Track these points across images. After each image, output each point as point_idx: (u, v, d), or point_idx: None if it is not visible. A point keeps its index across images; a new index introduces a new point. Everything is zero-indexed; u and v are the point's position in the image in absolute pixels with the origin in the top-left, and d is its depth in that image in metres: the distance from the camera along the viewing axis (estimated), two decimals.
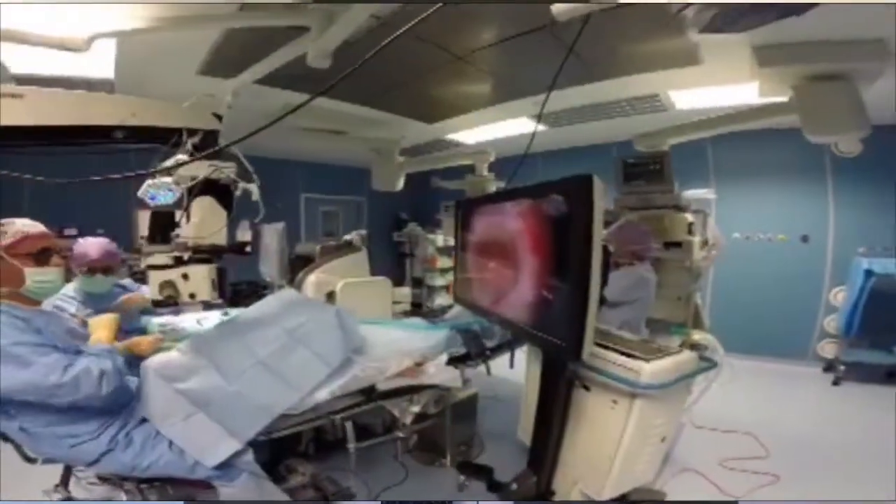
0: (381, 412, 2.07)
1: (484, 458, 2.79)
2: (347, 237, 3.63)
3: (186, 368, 1.74)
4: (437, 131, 4.84)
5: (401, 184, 4.62)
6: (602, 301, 2.55)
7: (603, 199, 1.52)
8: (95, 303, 2.41)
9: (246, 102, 2.44)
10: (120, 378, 1.55)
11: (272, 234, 3.51)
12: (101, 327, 1.68)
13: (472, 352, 2.40)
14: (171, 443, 1.57)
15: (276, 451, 2.11)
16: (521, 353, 2.61)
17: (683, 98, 3.76)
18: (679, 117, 3.66)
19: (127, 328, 2.10)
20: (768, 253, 4.94)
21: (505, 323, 2.18)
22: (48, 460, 1.62)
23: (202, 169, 2.05)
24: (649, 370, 1.85)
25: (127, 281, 2.87)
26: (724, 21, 2.09)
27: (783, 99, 2.75)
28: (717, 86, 3.36)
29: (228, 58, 2.63)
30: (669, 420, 2.10)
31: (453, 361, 2.29)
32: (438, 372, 2.11)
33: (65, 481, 1.92)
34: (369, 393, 1.95)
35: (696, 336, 2.47)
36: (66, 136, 1.71)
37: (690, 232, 3.35)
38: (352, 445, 1.93)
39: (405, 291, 3.67)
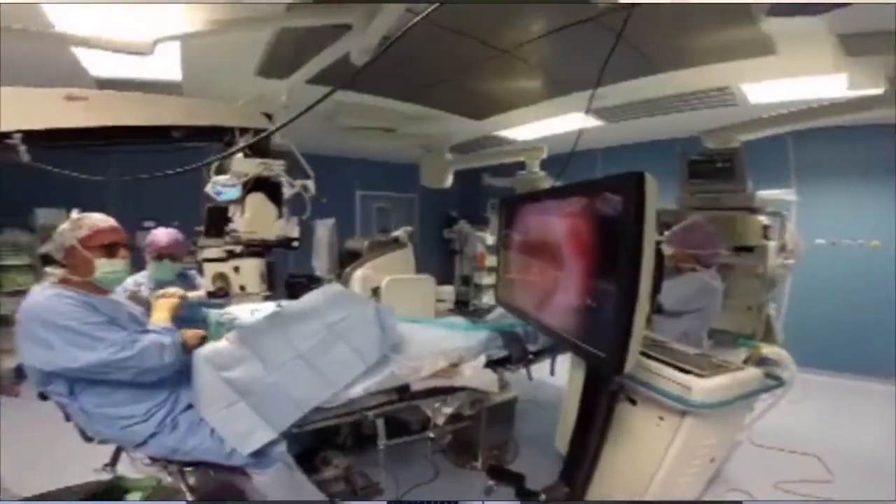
0: (417, 410, 2.06)
1: (517, 464, 2.72)
2: (394, 233, 3.66)
3: (233, 357, 1.81)
4: (487, 127, 4.76)
5: (449, 181, 4.59)
6: (658, 309, 2.38)
7: (657, 198, 1.39)
8: (164, 287, 2.60)
9: (300, 101, 2.51)
10: (179, 352, 1.66)
11: (324, 230, 3.61)
12: (162, 309, 1.80)
13: (513, 355, 2.32)
14: (212, 429, 1.64)
15: (316, 441, 2.17)
16: (565, 359, 2.50)
17: (757, 91, 3.43)
18: (753, 112, 3.35)
19: (186, 317, 2.23)
20: (856, 260, 4.42)
21: (545, 329, 2.08)
22: (103, 441, 1.75)
23: (253, 166, 2.13)
24: (702, 387, 1.69)
25: (192, 272, 3.06)
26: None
27: (877, 91, 2.46)
28: (795, 77, 3.05)
29: (282, 58, 2.72)
30: (722, 440, 1.93)
31: (492, 364, 2.23)
32: (475, 374, 2.06)
33: (113, 461, 2.07)
34: (403, 391, 1.94)
35: (765, 350, 2.24)
36: (128, 136, 1.83)
37: (765, 236, 3.06)
38: (382, 442, 1.94)
39: (449, 290, 3.63)
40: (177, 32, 2.00)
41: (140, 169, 1.45)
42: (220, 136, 2.03)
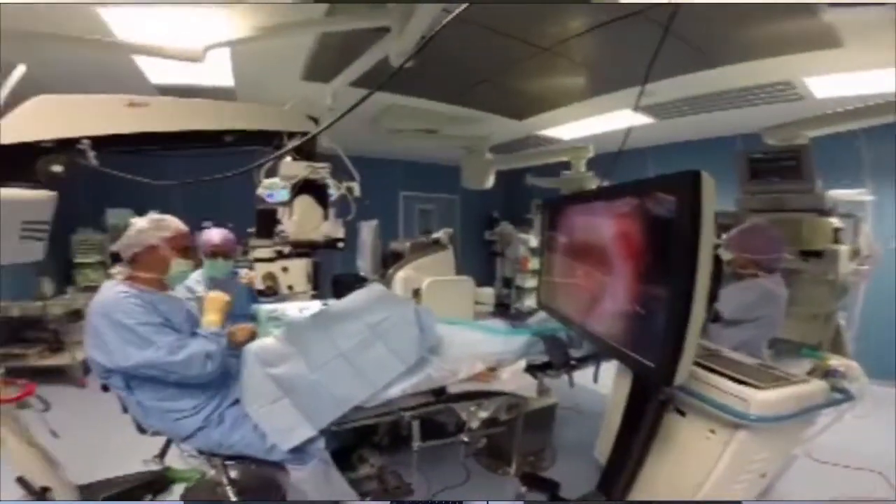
0: (453, 413, 2.05)
1: (553, 471, 2.65)
2: (435, 235, 3.67)
3: (279, 354, 1.87)
4: (529, 127, 4.69)
5: (490, 181, 4.54)
6: (715, 318, 2.24)
7: (714, 199, 1.30)
8: (216, 285, 2.73)
9: (344, 104, 2.56)
10: (223, 360, 1.73)
11: (368, 231, 3.68)
12: (213, 310, 1.87)
13: (554, 361, 2.26)
14: (255, 424, 1.70)
15: (353, 439, 2.20)
16: (610, 366, 2.40)
17: (823, 85, 3.18)
18: (819, 107, 3.10)
19: (238, 313, 2.34)
20: None
21: (589, 335, 2.00)
22: (155, 432, 1.86)
23: (300, 169, 2.18)
24: (761, 400, 1.57)
25: (243, 271, 3.20)
26: None
27: None
28: (865, 71, 2.80)
29: (325, 62, 2.79)
30: (776, 455, 1.80)
31: (532, 369, 2.18)
32: (513, 379, 2.02)
33: (162, 453, 2.19)
34: (440, 394, 1.93)
35: (832, 361, 2.06)
36: (184, 140, 1.93)
37: (836, 240, 2.82)
38: (416, 444, 1.94)
39: (488, 292, 3.59)
40: (224, 40, 2.09)
41: (197, 172, 1.52)
42: (269, 140, 2.09)
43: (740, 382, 1.66)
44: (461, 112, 4.07)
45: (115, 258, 1.91)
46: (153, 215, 1.86)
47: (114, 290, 1.70)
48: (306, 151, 2.19)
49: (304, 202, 2.36)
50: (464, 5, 1.07)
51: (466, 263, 6.94)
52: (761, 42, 2.64)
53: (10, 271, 3.40)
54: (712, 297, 1.87)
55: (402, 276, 3.19)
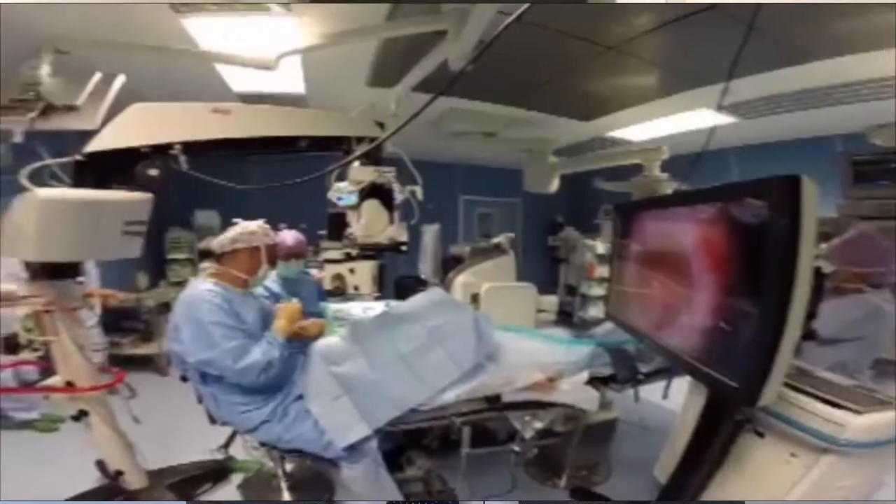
0: (506, 420, 2.01)
1: (607, 487, 2.50)
2: (495, 240, 3.63)
3: (343, 353, 1.92)
4: (596, 129, 4.50)
5: (555, 185, 4.41)
6: (809, 335, 2.01)
7: (816, 206, 1.16)
8: (289, 285, 2.87)
9: (408, 109, 2.61)
10: (279, 367, 1.78)
11: (430, 235, 3.72)
12: (284, 316, 1.93)
13: (620, 374, 2.14)
14: (314, 420, 1.75)
15: (403, 440, 2.22)
16: (682, 383, 2.23)
17: None
18: None
19: (308, 311, 2.44)
20: None
21: (661, 349, 1.87)
22: (224, 423, 1.97)
23: (368, 174, 2.24)
24: (859, 425, 1.40)
25: (314, 271, 3.35)
26: None
27: None
28: None
29: (388, 68, 2.83)
30: (861, 483, 1.59)
31: (595, 381, 2.09)
32: (573, 391, 1.95)
33: (227, 443, 2.31)
34: (494, 401, 1.90)
35: None
36: (262, 146, 2.05)
37: None
38: (465, 450, 1.93)
39: (551, 300, 3.50)
40: (293, 48, 2.19)
41: (274, 177, 1.61)
42: (339, 145, 2.17)
43: (833, 405, 1.49)
44: (522, 114, 4.00)
45: (202, 255, 2.08)
46: (261, 222, 2.02)
47: (201, 287, 1.83)
48: (373, 156, 2.25)
49: (371, 206, 2.42)
50: (523, 7, 1.03)
51: (528, 269, 6.78)
52: (860, 35, 2.35)
53: (111, 265, 3.78)
54: (811, 313, 1.67)
55: (462, 280, 3.18)
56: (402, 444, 2.24)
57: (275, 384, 1.82)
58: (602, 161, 4.56)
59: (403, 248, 2.58)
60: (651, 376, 2.30)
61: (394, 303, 2.78)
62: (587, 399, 1.99)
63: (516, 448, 2.02)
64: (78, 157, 1.88)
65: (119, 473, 2.13)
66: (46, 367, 2.07)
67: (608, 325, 2.70)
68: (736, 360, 1.33)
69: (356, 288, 2.52)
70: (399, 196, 2.50)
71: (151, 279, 4.91)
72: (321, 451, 1.77)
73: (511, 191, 7.10)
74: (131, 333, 4.39)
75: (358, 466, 1.73)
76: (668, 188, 3.60)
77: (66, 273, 2.00)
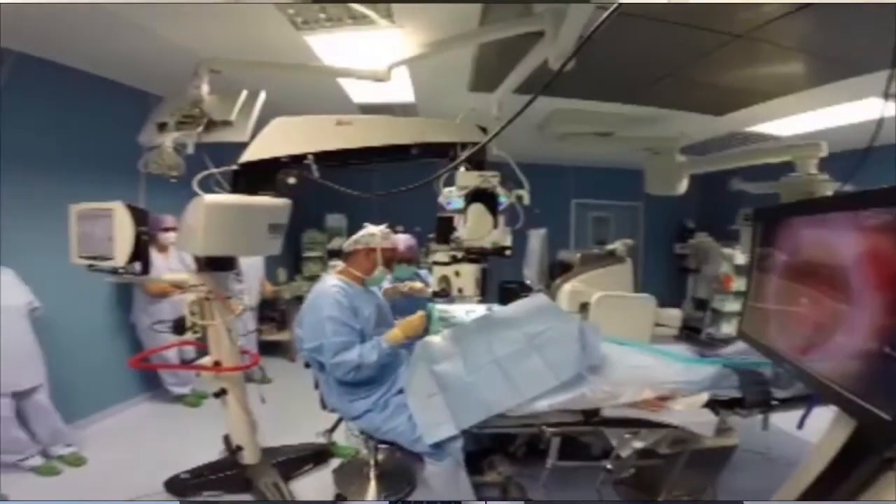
0: (602, 436, 1.88)
1: None
2: (610, 246, 3.41)
3: (442, 352, 1.99)
4: (731, 124, 3.97)
5: (683, 187, 3.99)
6: None
7: None
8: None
9: (510, 113, 2.60)
10: (372, 371, 1.92)
11: (536, 240, 3.64)
12: (403, 329, 2.07)
13: (749, 399, 1.86)
14: (409, 415, 1.83)
15: (489, 443, 2.21)
16: (823, 413, 1.87)
17: None
18: None
19: (416, 310, 2.57)
20: None
21: (805, 376, 1.59)
22: (332, 410, 2.16)
23: (472, 179, 2.29)
24: None
25: (425, 272, 3.52)
26: None
27: None
28: None
29: (488, 73, 2.85)
30: None
31: (716, 405, 1.85)
32: (686, 413, 1.76)
33: (332, 429, 2.49)
34: (591, 415, 1.79)
35: None
36: (378, 154, 2.21)
37: None
38: (550, 461, 1.85)
39: (674, 314, 3.15)
40: (400, 59, 2.31)
41: (396, 183, 1.74)
42: (446, 152, 2.25)
43: None
44: (641, 111, 3.71)
45: (331, 254, 2.35)
46: (383, 226, 2.25)
47: (328, 282, 2.07)
48: (477, 161, 2.28)
49: (476, 210, 2.46)
50: (616, 4, 0.97)
51: (650, 279, 6.31)
52: None
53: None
54: None
55: (570, 288, 3.05)
56: (487, 447, 2.23)
57: (380, 377, 1.96)
58: (742, 159, 4.00)
59: (507, 252, 2.57)
60: (787, 403, 1.97)
61: (496, 307, 2.79)
62: (703, 423, 1.77)
63: (608, 465, 1.88)
64: (234, 167, 2.24)
65: (239, 448, 2.44)
66: (202, 347, 2.45)
67: (739, 345, 2.37)
68: None
69: (460, 290, 2.58)
70: (504, 200, 2.51)
71: (289, 274, 5.62)
72: (410, 445, 1.86)
73: (631, 193, 6.62)
74: (270, 322, 5.05)
75: (440, 464, 1.78)
76: (827, 189, 3.04)
77: (224, 266, 2.39)
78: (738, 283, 5.56)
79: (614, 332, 2.36)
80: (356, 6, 2.11)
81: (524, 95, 2.72)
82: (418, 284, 2.59)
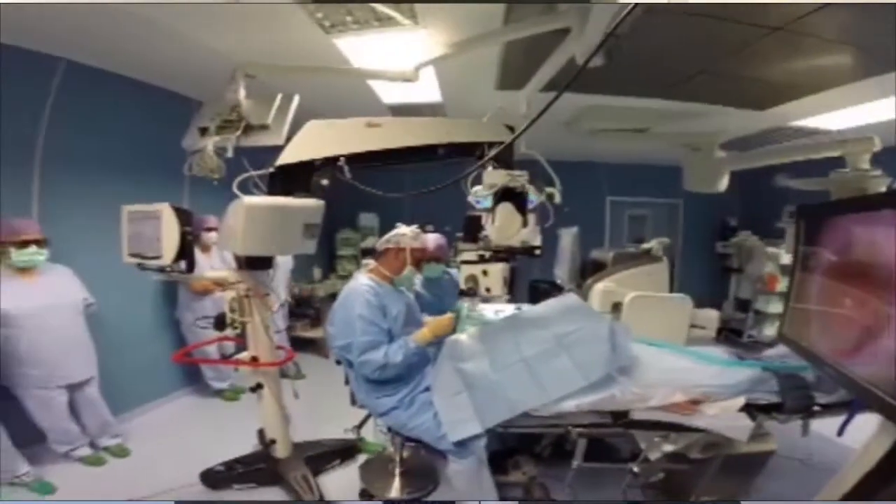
0: (630, 438, 1.85)
1: None
2: (646, 245, 3.33)
3: (469, 351, 2.01)
4: (774, 118, 3.78)
5: (723, 184, 3.82)
6: None
7: None
8: (431, 285, 3.09)
9: (536, 111, 2.57)
10: (399, 370, 1.94)
11: (567, 238, 3.59)
12: (431, 329, 2.08)
13: (789, 404, 1.79)
14: (435, 412, 1.85)
15: (515, 443, 2.21)
16: (871, 418, 1.76)
17: None
18: None
19: (444, 308, 2.60)
20: None
21: (848, 381, 1.51)
22: (361, 406, 2.20)
23: (500, 178, 2.28)
24: None
25: (454, 271, 3.54)
26: None
27: None
28: None
29: (515, 71, 2.81)
30: None
31: (753, 409, 1.79)
32: (719, 416, 1.71)
33: (360, 425, 2.53)
34: (620, 416, 1.76)
35: None
36: (406, 155, 2.24)
37: None
38: (576, 463, 1.84)
39: (710, 315, 3.04)
40: (426, 59, 2.33)
41: (426, 183, 1.77)
42: (473, 151, 2.26)
43: None
44: (676, 107, 3.57)
45: (364, 253, 2.40)
46: (414, 226, 2.28)
47: (359, 282, 2.12)
48: (505, 160, 2.28)
49: (504, 209, 2.45)
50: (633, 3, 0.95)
51: (690, 279, 6.09)
52: None
53: (296, 260, 4.52)
54: None
55: (601, 288, 2.99)
56: (512, 447, 2.22)
57: (407, 375, 1.99)
58: (789, 154, 3.79)
59: (536, 251, 2.56)
60: (829, 409, 1.87)
61: (526, 306, 2.78)
62: (735, 427, 1.71)
63: (635, 468, 1.84)
64: (271, 170, 2.32)
65: (272, 442, 2.52)
66: (241, 343, 2.55)
67: (782, 349, 2.27)
68: None
69: (488, 290, 2.59)
70: (535, 199, 2.49)
71: (324, 272, 5.77)
72: (434, 443, 1.87)
73: (669, 190, 6.40)
74: (304, 318, 5.20)
75: (463, 462, 1.79)
76: (881, 185, 2.86)
77: (261, 265, 2.48)
78: (783, 284, 5.28)
79: (648, 333, 2.30)
80: (381, 8, 2.14)
81: (552, 93, 2.70)
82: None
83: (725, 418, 1.72)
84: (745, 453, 1.89)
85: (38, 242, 2.53)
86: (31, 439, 2.62)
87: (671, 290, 3.26)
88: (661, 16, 2.00)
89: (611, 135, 4.04)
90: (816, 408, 1.84)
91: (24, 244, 2.48)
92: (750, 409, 1.78)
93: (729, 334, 5.63)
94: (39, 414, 2.59)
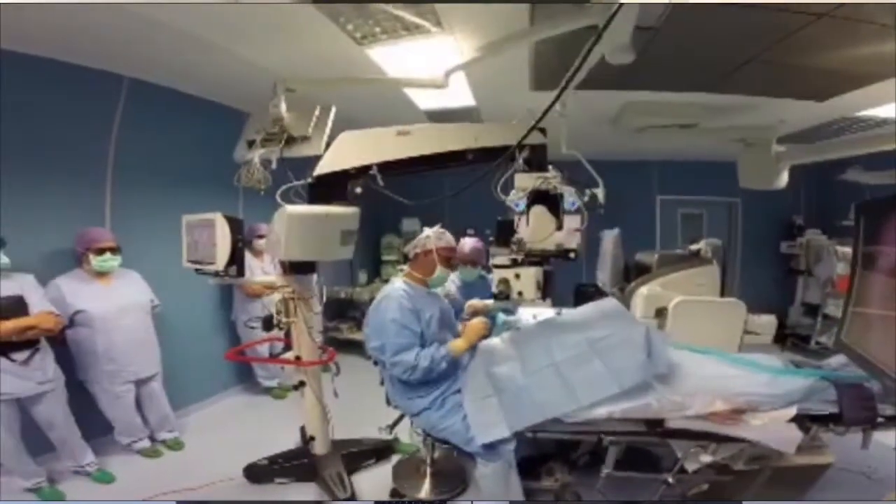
0: (668, 448, 1.77)
1: None
2: (694, 246, 3.17)
3: (501, 355, 2.01)
4: (837, 109, 3.47)
5: (783, 180, 3.57)
6: None
7: None
8: (466, 287, 3.11)
9: (576, 110, 2.51)
10: (428, 374, 1.95)
11: (609, 240, 3.49)
12: (466, 335, 2.11)
13: (849, 415, 1.65)
14: (464, 415, 1.86)
15: (552, 450, 2.17)
16: None
17: None
18: None
19: (482, 313, 2.61)
20: None
21: None
22: (395, 407, 2.24)
23: (531, 181, 2.27)
24: None
25: (490, 275, 3.53)
26: None
27: None
28: None
29: (547, 70, 2.77)
30: None
31: (805, 420, 1.67)
32: (766, 427, 1.60)
33: (393, 425, 2.56)
34: (655, 425, 1.69)
35: None
36: (438, 161, 2.28)
37: None
38: (606, 470, 1.79)
39: (766, 320, 2.85)
40: (455, 65, 2.35)
41: (456, 188, 1.78)
42: (503, 155, 2.25)
43: None
44: (726, 100, 3.36)
45: (405, 257, 2.47)
46: (438, 228, 2.30)
47: (395, 285, 2.18)
48: (537, 162, 2.26)
49: (537, 212, 2.43)
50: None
51: (753, 282, 5.71)
52: None
53: (334, 265, 4.69)
54: None
55: (645, 292, 2.88)
56: (547, 453, 2.18)
57: (439, 377, 2.02)
58: (856, 147, 3.50)
59: (572, 255, 2.50)
60: (892, 421, 1.71)
61: (565, 310, 2.72)
62: (785, 440, 1.60)
63: (669, 479, 1.76)
64: (310, 180, 2.44)
65: (312, 438, 2.62)
66: (287, 342, 2.68)
67: (843, 357, 2.08)
68: None
69: (520, 293, 2.55)
70: (573, 201, 2.44)
71: (369, 277, 5.94)
72: (464, 445, 1.88)
73: (725, 188, 5.98)
74: (350, 321, 5.37)
75: (491, 465, 1.78)
76: None
77: (305, 270, 2.60)
78: None
79: (696, 339, 2.20)
80: (406, 16, 2.18)
81: (585, 91, 2.63)
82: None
83: (770, 429, 1.60)
84: (796, 465, 1.76)
85: (113, 250, 2.80)
86: (97, 432, 2.85)
87: (724, 294, 3.09)
88: (696, 8, 1.91)
89: (658, 131, 3.87)
90: (881, 419, 1.68)
91: (101, 251, 2.74)
92: (803, 419, 1.66)
93: (796, 341, 5.21)
94: (109, 407, 2.83)
